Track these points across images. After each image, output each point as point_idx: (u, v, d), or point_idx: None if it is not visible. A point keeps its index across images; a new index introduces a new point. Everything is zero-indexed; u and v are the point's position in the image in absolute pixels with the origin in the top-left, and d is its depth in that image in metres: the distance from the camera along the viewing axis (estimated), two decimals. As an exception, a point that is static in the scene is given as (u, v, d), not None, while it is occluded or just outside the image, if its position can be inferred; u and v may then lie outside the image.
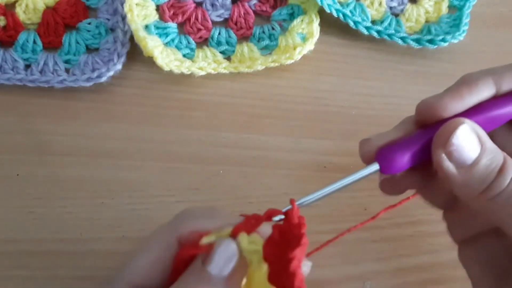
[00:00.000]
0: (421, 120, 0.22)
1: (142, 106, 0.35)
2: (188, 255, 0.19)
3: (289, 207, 0.20)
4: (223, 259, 0.19)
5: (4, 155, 0.32)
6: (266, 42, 0.37)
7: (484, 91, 0.21)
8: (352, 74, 0.37)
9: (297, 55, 0.36)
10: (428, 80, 0.37)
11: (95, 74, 0.34)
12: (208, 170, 0.33)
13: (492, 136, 0.21)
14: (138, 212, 0.31)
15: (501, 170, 0.20)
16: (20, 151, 0.33)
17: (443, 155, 0.20)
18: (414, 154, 0.21)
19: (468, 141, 0.20)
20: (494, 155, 0.20)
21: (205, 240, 0.19)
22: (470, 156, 0.20)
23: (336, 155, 0.34)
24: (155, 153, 0.33)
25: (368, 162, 0.22)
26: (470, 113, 0.21)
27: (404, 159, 0.21)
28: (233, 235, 0.19)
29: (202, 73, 0.35)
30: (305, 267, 0.21)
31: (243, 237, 0.19)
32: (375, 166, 0.21)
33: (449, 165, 0.20)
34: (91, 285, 0.29)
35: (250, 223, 0.20)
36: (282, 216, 0.20)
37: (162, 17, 0.37)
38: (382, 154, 0.21)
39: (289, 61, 0.36)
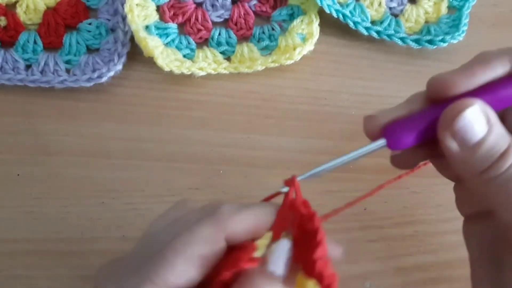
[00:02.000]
0: (432, 96, 0.22)
1: (142, 106, 0.35)
2: (243, 267, 0.18)
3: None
4: (282, 259, 0.18)
5: (4, 155, 0.32)
6: (266, 42, 0.37)
7: (498, 69, 0.21)
8: (352, 74, 0.37)
9: (297, 56, 0.36)
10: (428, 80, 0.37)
11: (96, 74, 0.34)
12: (208, 170, 0.33)
13: (503, 114, 0.21)
14: (138, 212, 0.31)
15: (504, 153, 0.19)
16: (21, 151, 0.33)
17: (448, 134, 0.20)
18: (422, 131, 0.20)
19: (474, 123, 0.20)
20: (500, 137, 0.20)
21: (257, 254, 0.19)
22: (474, 137, 0.20)
23: (336, 155, 0.33)
24: (155, 153, 0.33)
25: (373, 138, 0.21)
26: (482, 91, 0.20)
27: (411, 136, 0.20)
28: (275, 237, 0.19)
29: (202, 73, 0.35)
30: (335, 251, 0.21)
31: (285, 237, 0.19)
32: (382, 142, 0.21)
33: (452, 144, 0.20)
34: (91, 285, 0.29)
35: (281, 220, 0.20)
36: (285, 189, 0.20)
37: (162, 18, 0.38)
38: (389, 130, 0.21)
39: (289, 62, 0.36)
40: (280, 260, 0.18)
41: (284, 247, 0.19)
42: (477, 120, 0.20)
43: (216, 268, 0.19)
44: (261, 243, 0.19)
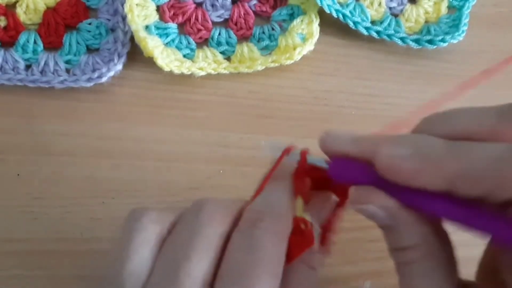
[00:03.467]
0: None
1: (142, 106, 0.35)
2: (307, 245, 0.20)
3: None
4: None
5: (4, 155, 0.32)
6: (266, 42, 0.37)
7: None
8: (352, 74, 0.37)
9: (297, 55, 0.36)
10: (428, 80, 0.37)
11: (96, 74, 0.34)
12: (208, 170, 0.33)
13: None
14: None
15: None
16: (20, 151, 0.33)
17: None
18: (355, 181, 0.21)
19: (371, 214, 0.20)
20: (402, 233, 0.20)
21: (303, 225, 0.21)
22: (377, 222, 0.21)
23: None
24: (155, 153, 0.33)
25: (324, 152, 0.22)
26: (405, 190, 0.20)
27: (346, 179, 0.21)
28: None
29: (202, 73, 0.35)
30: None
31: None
32: (325, 165, 0.22)
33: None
34: (91, 285, 0.29)
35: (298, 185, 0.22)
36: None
37: (162, 18, 0.38)
38: (334, 163, 0.21)
39: (289, 61, 0.36)
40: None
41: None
42: (374, 213, 0.20)
43: None
44: (299, 211, 0.21)
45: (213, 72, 0.35)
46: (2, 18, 0.36)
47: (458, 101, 0.34)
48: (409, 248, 0.20)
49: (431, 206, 0.19)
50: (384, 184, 0.20)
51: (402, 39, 0.37)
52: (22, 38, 0.35)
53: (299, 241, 0.20)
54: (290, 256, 0.20)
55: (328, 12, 0.37)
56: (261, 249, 0.19)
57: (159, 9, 0.38)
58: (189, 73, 0.35)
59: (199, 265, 0.19)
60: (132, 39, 0.35)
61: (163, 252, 0.20)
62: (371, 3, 0.39)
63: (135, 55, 0.35)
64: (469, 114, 0.20)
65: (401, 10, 0.39)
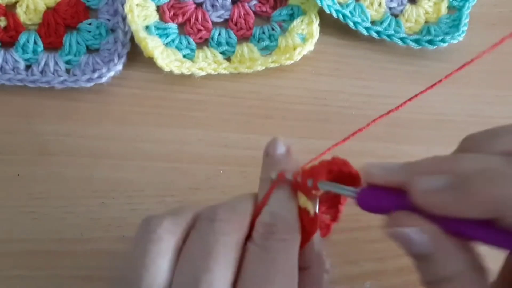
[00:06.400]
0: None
1: (143, 106, 0.35)
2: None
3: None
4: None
5: (4, 155, 0.32)
6: (266, 42, 0.37)
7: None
8: (352, 74, 0.37)
9: (297, 56, 0.36)
10: (428, 80, 0.37)
11: (96, 74, 0.34)
12: (208, 170, 0.33)
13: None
14: (138, 212, 0.31)
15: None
16: (21, 151, 0.33)
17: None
18: (386, 210, 0.20)
19: (409, 241, 0.19)
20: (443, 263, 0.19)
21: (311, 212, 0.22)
22: (412, 251, 0.19)
23: (336, 155, 0.34)
24: (155, 153, 0.33)
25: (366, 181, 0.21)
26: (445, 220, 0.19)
27: (375, 209, 0.21)
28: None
29: (202, 73, 0.35)
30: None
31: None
32: (353, 194, 0.21)
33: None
34: (91, 285, 0.29)
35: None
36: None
37: (162, 18, 0.38)
38: (363, 193, 0.21)
39: (289, 62, 0.36)
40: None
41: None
42: (413, 239, 0.19)
43: None
44: (304, 203, 0.22)
45: (213, 72, 0.36)
46: (2, 18, 0.36)
47: (451, 95, 0.33)
48: (451, 277, 0.18)
49: (474, 232, 0.18)
50: (419, 212, 0.19)
51: (402, 39, 0.37)
52: (22, 38, 0.35)
53: (303, 230, 0.21)
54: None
55: (328, 12, 0.37)
56: (277, 261, 0.20)
57: (159, 9, 0.38)
58: (189, 73, 0.35)
59: (220, 276, 0.19)
60: (132, 39, 0.35)
61: (181, 264, 0.20)
62: (371, 4, 0.39)
63: (135, 55, 0.36)
64: None
65: (401, 11, 0.39)
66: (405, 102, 0.23)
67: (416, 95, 0.23)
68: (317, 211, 0.22)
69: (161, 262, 0.20)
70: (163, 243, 0.20)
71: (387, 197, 0.20)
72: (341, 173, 0.22)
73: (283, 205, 0.22)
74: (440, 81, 0.23)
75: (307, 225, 0.22)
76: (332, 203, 0.26)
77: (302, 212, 0.22)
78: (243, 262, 0.20)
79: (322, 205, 0.25)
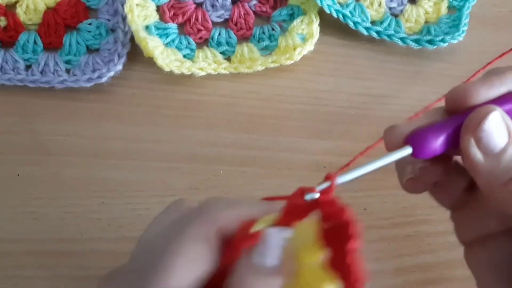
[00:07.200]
0: (451, 109, 0.22)
1: (142, 106, 0.35)
2: (244, 246, 0.17)
3: (326, 184, 0.19)
4: (274, 249, 0.17)
5: (4, 155, 0.32)
6: (266, 42, 0.37)
7: None
8: (352, 74, 0.37)
9: (297, 56, 0.36)
10: (428, 80, 0.37)
11: (96, 74, 0.34)
12: (208, 170, 0.33)
13: None
14: (138, 212, 0.31)
15: None
16: (21, 151, 0.33)
17: (472, 141, 0.20)
18: (446, 138, 0.20)
19: (498, 129, 0.20)
20: None
21: (257, 228, 0.17)
22: (499, 143, 0.20)
23: (336, 155, 0.34)
24: (155, 153, 0.33)
25: (393, 149, 0.21)
26: (499, 102, 0.21)
27: (437, 142, 0.20)
28: (280, 223, 0.18)
29: (202, 73, 0.35)
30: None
31: (299, 227, 0.18)
32: (408, 150, 0.20)
33: (476, 152, 0.20)
34: (91, 285, 0.29)
35: (295, 210, 0.18)
36: (317, 195, 0.19)
37: (162, 18, 0.38)
38: (415, 137, 0.21)
39: (289, 62, 0.36)
40: (274, 249, 0.17)
41: (281, 235, 0.17)
42: (499, 126, 0.20)
43: (219, 264, 0.18)
44: (259, 226, 0.18)
45: (213, 72, 0.36)
46: (2, 18, 0.36)
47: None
48: None
49: None
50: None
51: (402, 39, 0.37)
52: (22, 38, 0.35)
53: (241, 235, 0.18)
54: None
55: (328, 12, 0.37)
56: None
57: (159, 9, 0.38)
58: (189, 73, 0.35)
59: None
60: (132, 39, 0.35)
61: None
62: (371, 3, 0.39)
63: (135, 55, 0.36)
64: None
65: (401, 10, 0.39)
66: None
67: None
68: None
69: (202, 248, 0.17)
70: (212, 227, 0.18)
71: (437, 129, 0.20)
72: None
73: None
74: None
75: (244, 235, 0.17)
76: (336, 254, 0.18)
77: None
78: None
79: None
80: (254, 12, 0.38)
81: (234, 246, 0.17)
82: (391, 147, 0.21)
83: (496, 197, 0.21)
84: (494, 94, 0.21)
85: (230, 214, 0.18)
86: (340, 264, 0.16)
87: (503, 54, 0.26)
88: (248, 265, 0.17)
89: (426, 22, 0.39)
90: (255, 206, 0.19)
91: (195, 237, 0.17)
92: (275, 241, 0.17)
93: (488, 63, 0.25)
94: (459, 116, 0.21)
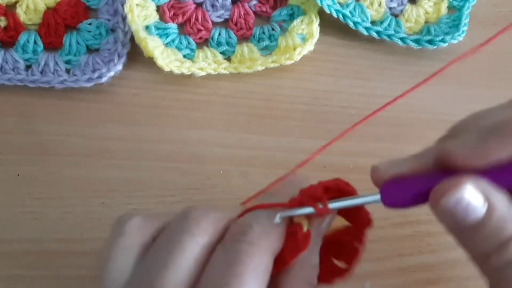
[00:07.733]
0: (439, 163, 0.20)
1: (142, 106, 0.35)
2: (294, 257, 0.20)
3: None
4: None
5: (4, 155, 0.32)
6: (266, 42, 0.37)
7: None
8: (352, 74, 0.37)
9: (297, 56, 0.36)
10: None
11: (96, 74, 0.34)
12: (208, 170, 0.33)
13: None
14: (138, 212, 0.31)
15: (506, 241, 0.17)
16: (20, 151, 0.33)
17: (437, 213, 0.18)
18: (417, 196, 0.19)
19: (467, 205, 0.17)
20: (502, 221, 0.17)
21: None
22: (468, 219, 0.18)
23: (336, 155, 0.34)
24: (155, 153, 0.33)
25: (378, 186, 0.21)
26: (495, 170, 0.18)
27: (405, 199, 0.20)
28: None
29: (202, 73, 0.35)
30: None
31: None
32: (377, 197, 0.20)
33: (444, 224, 0.18)
34: (91, 285, 0.29)
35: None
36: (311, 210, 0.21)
37: (162, 18, 0.38)
38: (386, 188, 0.20)
39: (289, 62, 0.36)
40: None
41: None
42: (470, 201, 0.17)
43: None
44: (299, 218, 0.21)
45: (213, 72, 0.36)
46: (2, 18, 0.36)
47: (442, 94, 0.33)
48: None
49: None
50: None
51: (402, 39, 0.37)
52: (22, 38, 0.35)
53: (292, 246, 0.20)
54: (283, 261, 0.20)
55: (328, 12, 0.37)
56: (240, 264, 0.18)
57: (159, 9, 0.38)
58: (189, 73, 0.35)
59: (176, 275, 0.18)
60: (132, 39, 0.35)
61: (144, 259, 0.20)
62: (371, 3, 0.39)
63: (135, 55, 0.36)
64: None
65: (401, 10, 0.39)
66: (390, 102, 0.22)
67: (406, 93, 0.23)
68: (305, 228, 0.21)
69: (124, 256, 0.20)
70: (130, 238, 0.20)
71: (412, 183, 0.20)
72: (339, 193, 0.21)
73: (269, 214, 0.20)
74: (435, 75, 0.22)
75: (300, 240, 0.20)
76: (354, 224, 0.24)
77: (296, 227, 0.20)
78: (207, 264, 0.19)
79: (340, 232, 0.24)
80: (254, 12, 0.38)
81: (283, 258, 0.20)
82: (376, 185, 0.21)
83: (480, 269, 0.19)
84: (485, 162, 0.18)
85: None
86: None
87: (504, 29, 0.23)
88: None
89: (426, 22, 0.39)
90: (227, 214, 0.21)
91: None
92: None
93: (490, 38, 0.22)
94: (441, 175, 0.19)
